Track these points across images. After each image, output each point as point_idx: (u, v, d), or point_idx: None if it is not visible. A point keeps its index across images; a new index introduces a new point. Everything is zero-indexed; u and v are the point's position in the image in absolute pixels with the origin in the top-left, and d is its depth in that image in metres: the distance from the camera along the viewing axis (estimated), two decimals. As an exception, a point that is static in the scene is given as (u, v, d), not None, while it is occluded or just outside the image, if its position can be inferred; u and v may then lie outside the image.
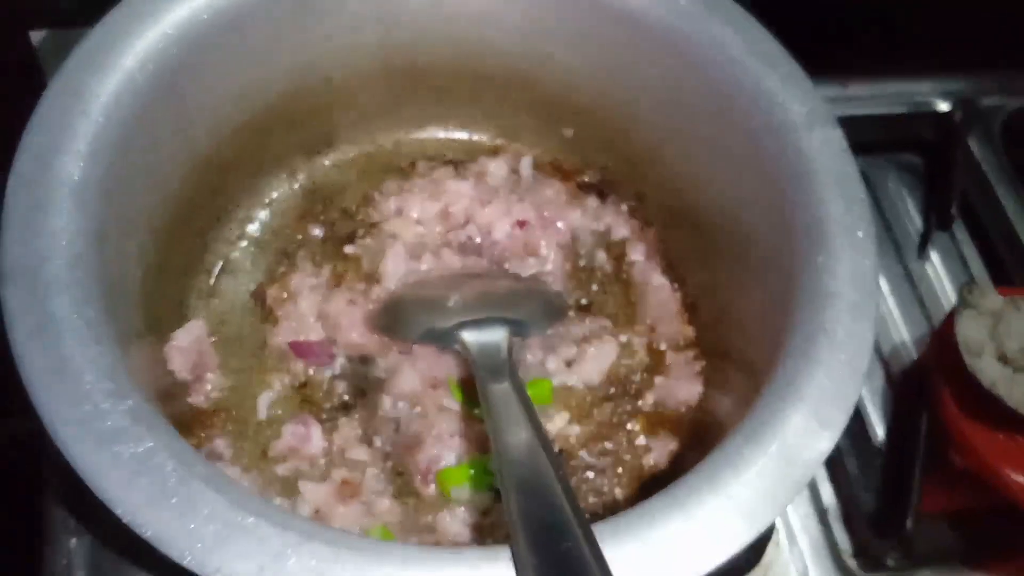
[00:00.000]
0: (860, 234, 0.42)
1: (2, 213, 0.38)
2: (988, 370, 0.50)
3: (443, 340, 0.49)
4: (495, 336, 0.47)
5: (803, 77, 0.46)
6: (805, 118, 0.45)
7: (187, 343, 0.49)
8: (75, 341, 0.35)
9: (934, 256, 0.66)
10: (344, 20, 0.51)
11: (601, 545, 0.33)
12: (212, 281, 0.54)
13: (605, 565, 0.32)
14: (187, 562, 0.32)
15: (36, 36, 0.70)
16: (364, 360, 0.52)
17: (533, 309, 0.52)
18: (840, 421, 0.38)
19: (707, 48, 0.48)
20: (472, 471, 0.49)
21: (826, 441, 0.37)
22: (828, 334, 0.39)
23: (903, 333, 0.63)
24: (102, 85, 0.41)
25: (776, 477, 0.36)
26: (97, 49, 0.42)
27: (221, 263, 0.54)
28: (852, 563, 0.54)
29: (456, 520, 0.48)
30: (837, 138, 0.45)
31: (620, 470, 0.51)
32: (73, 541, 0.50)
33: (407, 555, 0.33)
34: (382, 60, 0.54)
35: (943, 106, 0.71)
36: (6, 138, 0.76)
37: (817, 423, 0.37)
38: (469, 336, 0.47)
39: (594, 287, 0.57)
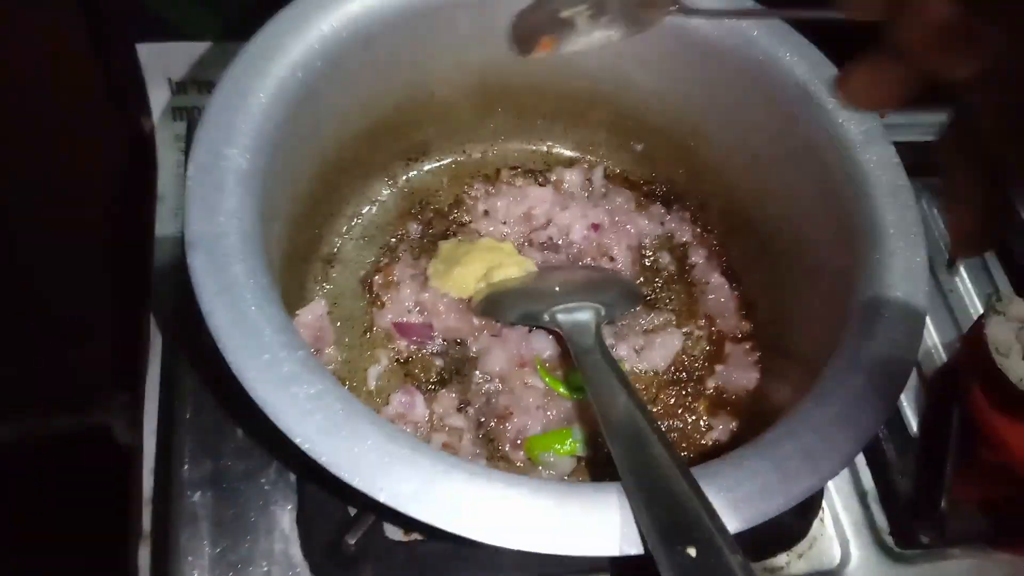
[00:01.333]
0: (912, 235, 0.48)
1: (186, 193, 0.44)
2: (1016, 368, 0.56)
3: (537, 321, 0.56)
4: (584, 317, 0.53)
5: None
6: (863, 136, 0.51)
7: (310, 319, 0.55)
8: (253, 301, 0.41)
9: (962, 270, 0.72)
10: (454, 41, 0.57)
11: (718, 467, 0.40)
12: (326, 269, 0.60)
13: (703, 495, 0.38)
14: (356, 483, 0.38)
15: (143, 48, 0.77)
16: (458, 341, 0.59)
17: (614, 295, 0.58)
18: (895, 391, 0.44)
19: (775, 74, 0.54)
20: (556, 439, 0.55)
21: (884, 406, 0.43)
22: (885, 318, 0.46)
23: (934, 338, 0.69)
24: (262, 88, 0.48)
25: (842, 428, 0.42)
26: (257, 56, 0.49)
27: (334, 253, 0.61)
28: (888, 540, 0.60)
29: (543, 482, 0.54)
30: (891, 154, 0.51)
31: (686, 445, 0.57)
32: (198, 495, 0.56)
33: (534, 485, 0.39)
34: (479, 78, 0.61)
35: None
36: (114, 136, 0.83)
37: (874, 392, 0.44)
38: (563, 317, 0.54)
39: (659, 285, 0.64)
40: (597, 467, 0.55)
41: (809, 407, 0.43)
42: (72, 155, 0.87)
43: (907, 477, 0.61)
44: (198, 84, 0.80)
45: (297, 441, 0.38)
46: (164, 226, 0.82)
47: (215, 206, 0.44)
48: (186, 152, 0.69)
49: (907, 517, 0.60)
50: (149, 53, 0.77)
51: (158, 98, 0.80)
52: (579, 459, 0.55)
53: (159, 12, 0.76)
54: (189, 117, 0.82)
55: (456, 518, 0.38)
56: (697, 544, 0.36)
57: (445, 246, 0.61)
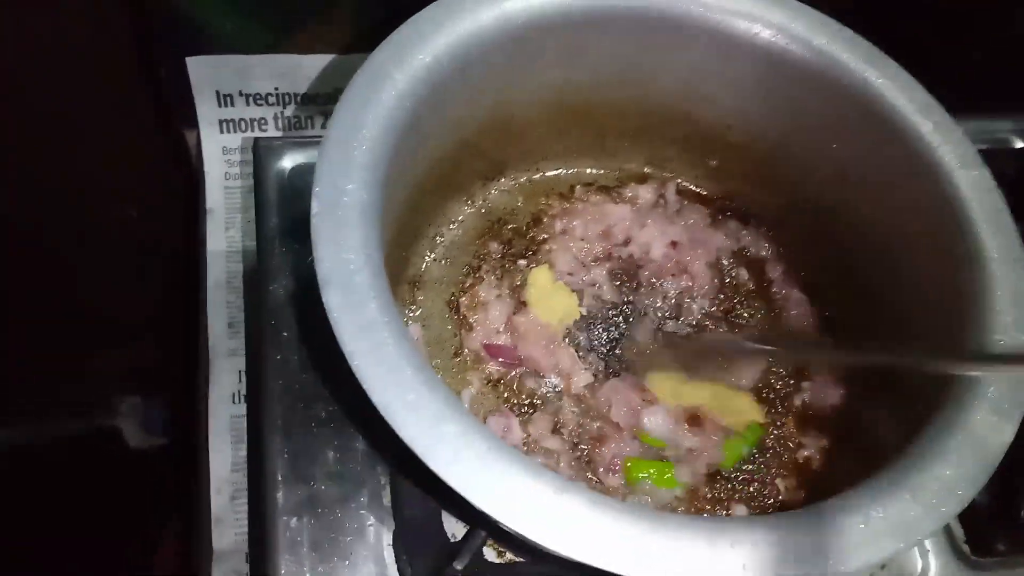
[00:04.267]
0: (1015, 259, 0.49)
1: (313, 231, 0.44)
2: None
3: None
4: None
5: (953, 124, 0.54)
6: (958, 160, 0.52)
7: (408, 344, 0.55)
8: (392, 340, 0.41)
9: (1019, 279, 0.74)
10: (539, 64, 0.57)
11: (828, 521, 0.41)
12: (413, 291, 0.60)
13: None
14: (507, 523, 0.38)
15: (192, 62, 0.76)
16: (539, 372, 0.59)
17: None
18: (1017, 415, 0.45)
19: (866, 97, 0.55)
20: (657, 467, 0.55)
21: (1008, 432, 0.44)
22: (999, 343, 0.47)
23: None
24: (374, 118, 0.48)
25: (972, 461, 0.43)
26: (366, 87, 0.48)
27: (419, 275, 0.61)
28: (966, 548, 0.61)
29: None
30: (987, 177, 0.52)
31: (778, 462, 0.58)
32: (294, 520, 0.56)
33: (681, 521, 0.40)
34: (558, 99, 0.61)
35: (1020, 143, 0.80)
36: (159, 150, 0.82)
37: (997, 417, 0.45)
38: None
39: (739, 301, 0.65)
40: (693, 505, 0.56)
41: (933, 435, 0.44)
42: (119, 168, 0.86)
43: (984, 487, 0.62)
44: (245, 96, 0.80)
45: (450, 481, 0.39)
46: (214, 240, 0.81)
47: (342, 242, 0.44)
48: (253, 166, 0.69)
49: (984, 526, 0.61)
50: (197, 66, 0.77)
51: (205, 110, 0.80)
52: (675, 496, 0.56)
53: (207, 26, 0.75)
54: (236, 129, 0.82)
55: (609, 555, 0.38)
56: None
57: (541, 274, 0.61)
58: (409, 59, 0.50)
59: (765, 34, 0.57)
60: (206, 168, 0.82)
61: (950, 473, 0.42)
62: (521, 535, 0.38)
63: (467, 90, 0.55)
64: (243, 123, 0.82)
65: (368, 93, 0.49)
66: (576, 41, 0.57)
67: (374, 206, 0.46)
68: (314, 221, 0.44)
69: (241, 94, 0.80)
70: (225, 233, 0.81)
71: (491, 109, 0.59)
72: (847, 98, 0.56)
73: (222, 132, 0.81)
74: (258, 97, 0.81)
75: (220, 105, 0.80)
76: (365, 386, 0.40)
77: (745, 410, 0.59)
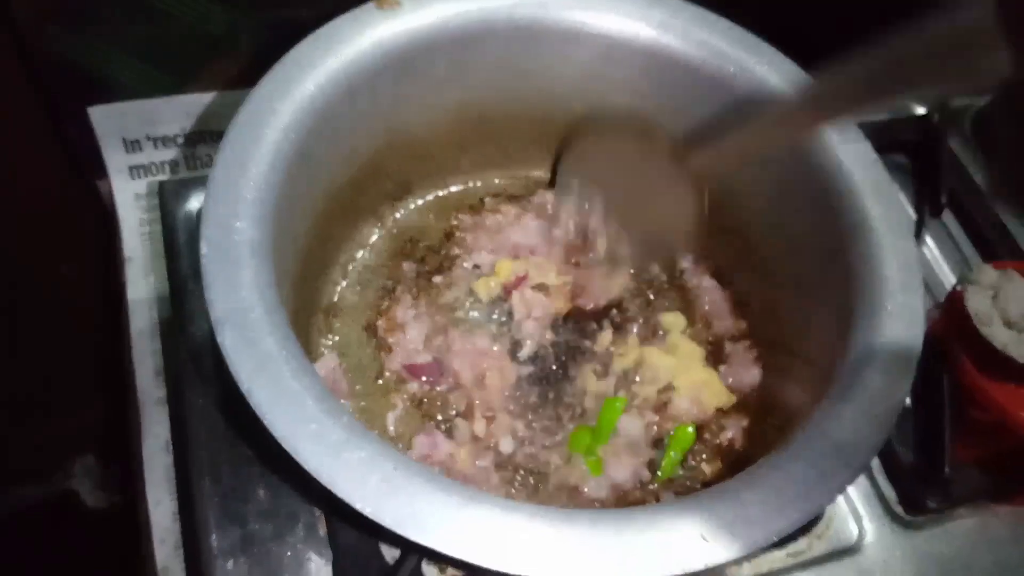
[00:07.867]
0: (899, 225, 0.51)
1: (204, 272, 0.44)
2: (998, 335, 0.58)
3: None
4: None
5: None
6: (839, 134, 0.54)
7: (323, 375, 0.55)
8: (290, 373, 0.42)
9: (929, 241, 0.76)
10: (431, 82, 0.58)
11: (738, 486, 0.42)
12: (329, 320, 0.60)
13: None
14: (427, 542, 0.38)
15: (94, 111, 0.76)
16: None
17: None
18: (909, 374, 0.46)
19: (747, 83, 0.56)
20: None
21: (901, 392, 0.46)
22: (887, 309, 0.48)
23: (914, 310, 0.72)
24: (259, 154, 0.48)
25: (869, 422, 0.44)
26: (250, 123, 0.49)
27: (334, 303, 0.61)
28: (898, 509, 0.62)
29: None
30: (867, 150, 0.54)
31: (701, 447, 0.59)
32: (231, 563, 0.56)
33: (593, 516, 0.40)
34: (456, 114, 0.62)
35: (920, 110, 0.82)
36: (73, 204, 0.81)
37: (889, 384, 0.46)
38: None
39: (654, 294, 0.66)
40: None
41: (834, 400, 0.45)
42: (33, 226, 0.85)
43: (908, 447, 0.63)
44: (153, 140, 0.80)
45: (358, 506, 0.39)
46: (136, 289, 0.80)
47: (235, 281, 0.44)
48: (158, 211, 0.69)
49: (913, 485, 0.62)
50: (101, 115, 0.76)
51: (113, 159, 0.79)
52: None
53: (105, 74, 0.75)
54: (147, 174, 0.81)
55: (528, 564, 0.39)
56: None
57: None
58: (292, 91, 0.51)
59: (647, 33, 0.58)
60: (121, 216, 0.81)
61: (848, 438, 0.43)
62: (437, 551, 0.39)
63: (357, 116, 0.56)
64: (153, 167, 0.81)
65: (252, 129, 0.49)
66: (462, 57, 0.58)
67: (266, 241, 0.47)
68: (204, 263, 0.44)
69: (148, 138, 0.79)
70: (146, 280, 0.80)
71: (387, 132, 0.60)
72: (731, 88, 0.57)
73: (133, 178, 0.81)
74: (166, 139, 0.80)
75: (128, 151, 0.79)
76: (265, 422, 0.40)
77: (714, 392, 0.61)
